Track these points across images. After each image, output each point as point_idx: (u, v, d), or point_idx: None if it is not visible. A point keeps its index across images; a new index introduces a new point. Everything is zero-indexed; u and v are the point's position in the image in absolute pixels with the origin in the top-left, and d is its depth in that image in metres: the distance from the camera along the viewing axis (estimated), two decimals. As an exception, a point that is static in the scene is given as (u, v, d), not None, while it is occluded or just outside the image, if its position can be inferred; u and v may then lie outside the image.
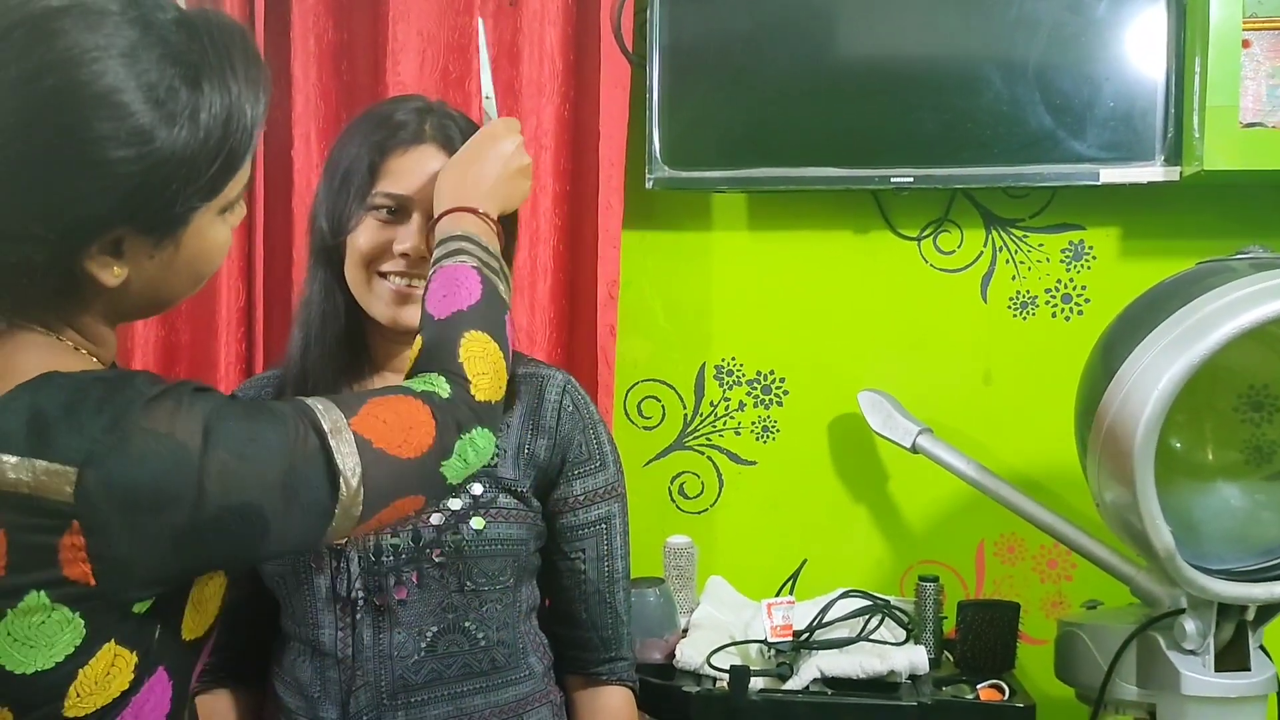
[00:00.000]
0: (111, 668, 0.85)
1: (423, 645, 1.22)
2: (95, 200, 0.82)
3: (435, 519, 1.22)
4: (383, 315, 1.24)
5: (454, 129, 1.27)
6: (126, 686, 0.86)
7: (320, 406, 0.92)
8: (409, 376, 1.02)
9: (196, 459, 0.83)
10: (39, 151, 0.81)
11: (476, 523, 1.23)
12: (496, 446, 1.08)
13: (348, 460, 0.89)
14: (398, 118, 1.25)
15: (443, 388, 0.98)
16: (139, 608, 0.85)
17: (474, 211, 1.12)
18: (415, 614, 1.22)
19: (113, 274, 0.86)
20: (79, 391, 0.82)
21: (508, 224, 1.28)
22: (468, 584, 1.23)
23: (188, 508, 0.82)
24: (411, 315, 1.22)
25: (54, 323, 0.89)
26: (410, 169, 1.23)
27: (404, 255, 1.21)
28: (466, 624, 1.24)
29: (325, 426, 0.90)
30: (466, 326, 1.04)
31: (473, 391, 1.00)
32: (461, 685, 1.24)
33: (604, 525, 1.34)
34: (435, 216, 1.14)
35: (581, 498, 1.32)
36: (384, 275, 1.23)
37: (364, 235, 1.23)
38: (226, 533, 0.85)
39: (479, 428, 1.00)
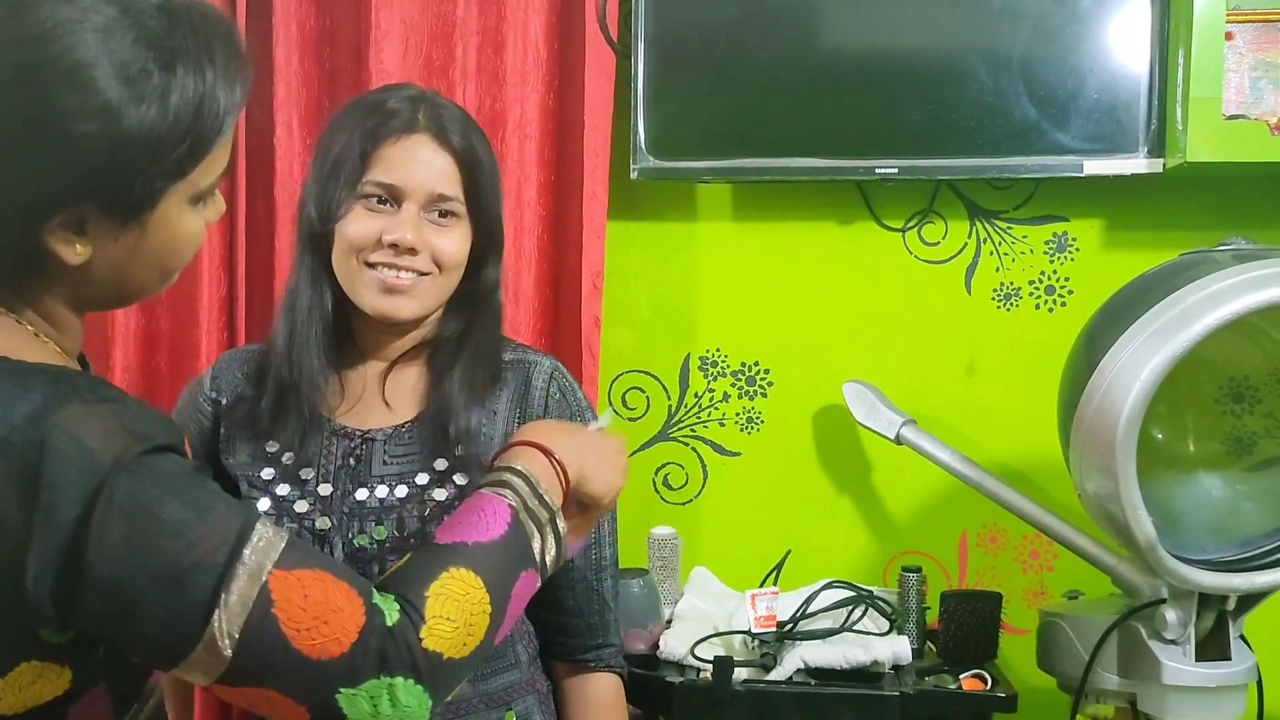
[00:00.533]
0: (38, 679, 0.80)
1: None
2: (59, 174, 0.80)
3: (419, 510, 1.22)
4: (370, 305, 1.22)
5: (448, 118, 1.25)
6: (60, 695, 0.82)
7: (260, 537, 0.81)
8: (377, 585, 0.88)
9: (99, 479, 0.76)
10: (5, 123, 0.79)
11: (439, 494, 1.23)
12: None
13: (235, 605, 0.78)
14: (390, 105, 1.23)
15: (391, 613, 0.84)
16: (52, 637, 0.79)
17: (548, 454, 1.01)
18: None
19: (75, 252, 0.83)
20: (16, 378, 0.80)
21: (495, 244, 1.28)
22: None
23: (70, 523, 0.76)
24: (398, 306, 1.21)
25: (14, 303, 0.86)
26: (402, 158, 1.21)
27: (392, 245, 1.20)
28: None
29: (245, 554, 0.80)
30: (459, 563, 0.89)
31: (423, 634, 0.84)
32: None
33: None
34: (504, 445, 1.05)
35: None
36: (372, 265, 1.21)
37: (353, 224, 1.21)
38: (94, 598, 0.77)
39: (410, 680, 0.83)
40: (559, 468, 1.01)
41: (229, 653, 0.79)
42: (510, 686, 1.28)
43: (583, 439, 1.07)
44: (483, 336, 1.29)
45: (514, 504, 0.95)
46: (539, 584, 0.97)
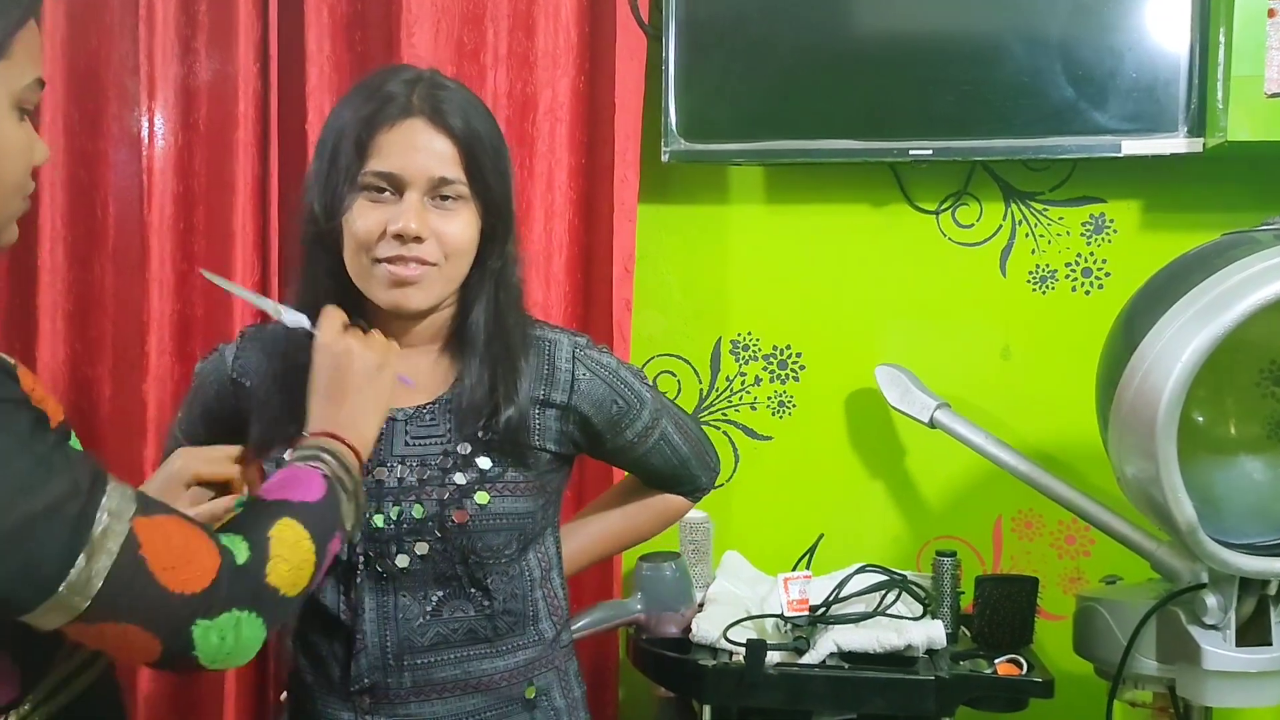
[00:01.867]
0: None
1: (428, 609, 1.22)
2: None
3: (440, 493, 1.21)
4: (383, 299, 1.20)
5: (444, 99, 1.21)
6: None
7: (116, 491, 0.86)
8: (220, 529, 0.96)
9: None
10: None
11: (481, 498, 1.22)
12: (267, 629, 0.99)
13: (100, 549, 0.83)
14: (386, 90, 1.20)
15: (241, 552, 0.92)
16: None
17: (340, 439, 1.10)
18: (418, 580, 1.22)
19: None
20: None
21: (505, 222, 1.28)
22: (471, 557, 1.22)
23: None
24: (409, 297, 1.19)
25: None
26: (399, 144, 1.18)
27: (398, 236, 1.17)
28: (472, 591, 1.24)
29: (104, 503, 0.84)
30: (288, 514, 0.98)
31: (266, 570, 0.93)
32: (467, 649, 1.24)
33: (666, 435, 1.37)
34: (303, 432, 1.12)
35: (641, 436, 1.34)
36: (379, 261, 1.18)
37: (359, 219, 1.18)
38: None
39: (252, 613, 0.91)
40: (353, 450, 1.10)
41: (91, 593, 0.83)
42: (532, 662, 1.29)
43: (351, 404, 1.13)
44: (503, 316, 1.27)
45: (327, 475, 1.04)
46: (340, 547, 1.07)
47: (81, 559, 0.82)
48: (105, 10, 1.97)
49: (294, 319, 1.18)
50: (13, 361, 0.87)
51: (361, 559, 1.21)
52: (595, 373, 1.30)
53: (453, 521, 1.21)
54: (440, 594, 1.23)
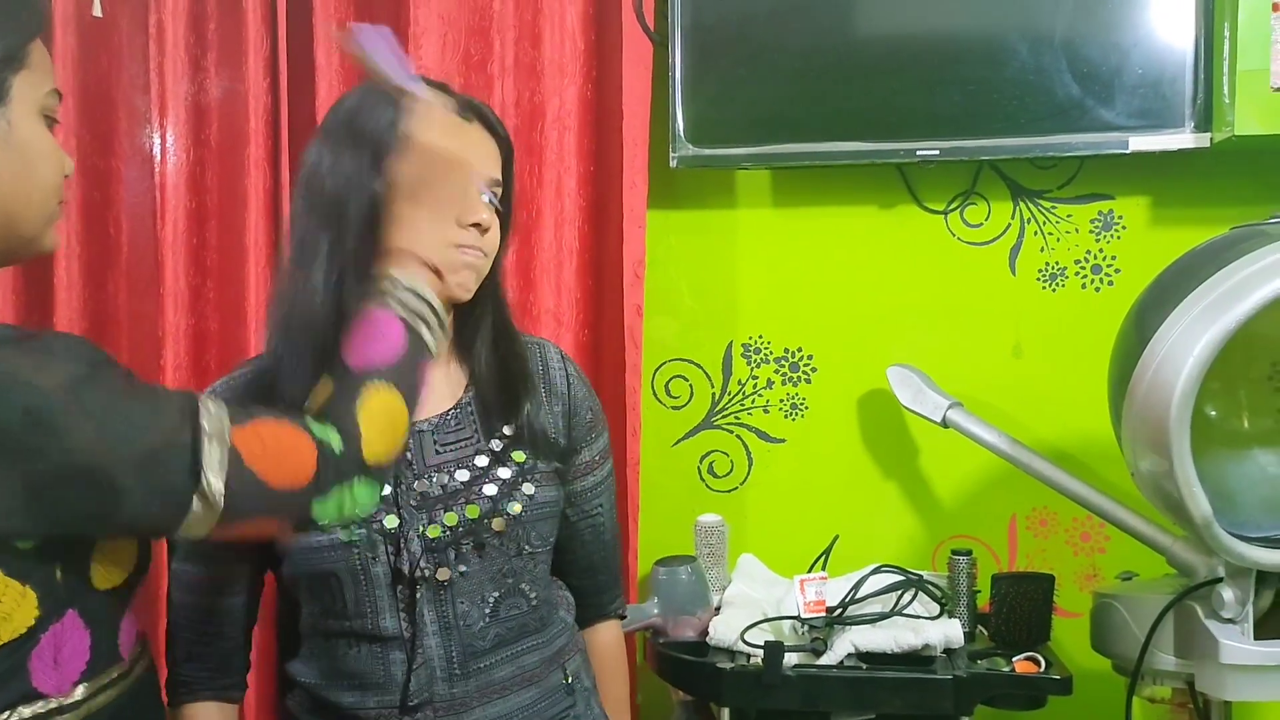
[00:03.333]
0: (2, 598, 0.90)
1: (486, 611, 1.24)
2: None
3: (489, 489, 1.25)
4: (452, 286, 1.20)
5: (486, 109, 1.28)
6: (32, 624, 0.92)
7: (211, 406, 0.95)
8: (313, 416, 1.03)
9: (53, 413, 0.87)
10: None
11: (528, 488, 1.27)
12: (384, 493, 1.10)
13: (213, 465, 0.93)
14: (439, 98, 1.21)
15: (335, 441, 1.00)
16: (21, 544, 0.90)
17: (416, 257, 1.11)
18: (475, 583, 1.24)
19: None
20: None
21: (508, 229, 1.29)
22: (525, 548, 1.27)
23: (37, 459, 0.87)
24: (467, 281, 1.22)
25: None
26: (469, 143, 1.22)
27: (476, 225, 1.20)
28: (523, 586, 1.28)
29: (205, 426, 0.93)
30: (375, 379, 1.04)
31: (364, 447, 1.01)
32: (520, 644, 1.28)
33: (611, 477, 1.42)
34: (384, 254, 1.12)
35: (598, 458, 1.39)
36: (459, 246, 1.19)
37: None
38: (76, 494, 0.89)
39: (362, 480, 1.02)
40: (431, 268, 1.12)
41: (222, 504, 0.94)
42: (564, 649, 1.34)
43: (438, 196, 1.13)
44: (506, 317, 1.32)
45: (403, 315, 1.07)
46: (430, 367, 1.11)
47: (203, 478, 0.92)
48: (115, 30, 1.99)
49: (417, 85, 1.14)
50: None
51: (424, 572, 1.22)
52: (579, 375, 1.38)
53: (509, 515, 1.24)
54: (496, 594, 1.25)
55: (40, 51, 0.98)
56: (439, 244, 1.18)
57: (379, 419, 1.03)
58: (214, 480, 0.93)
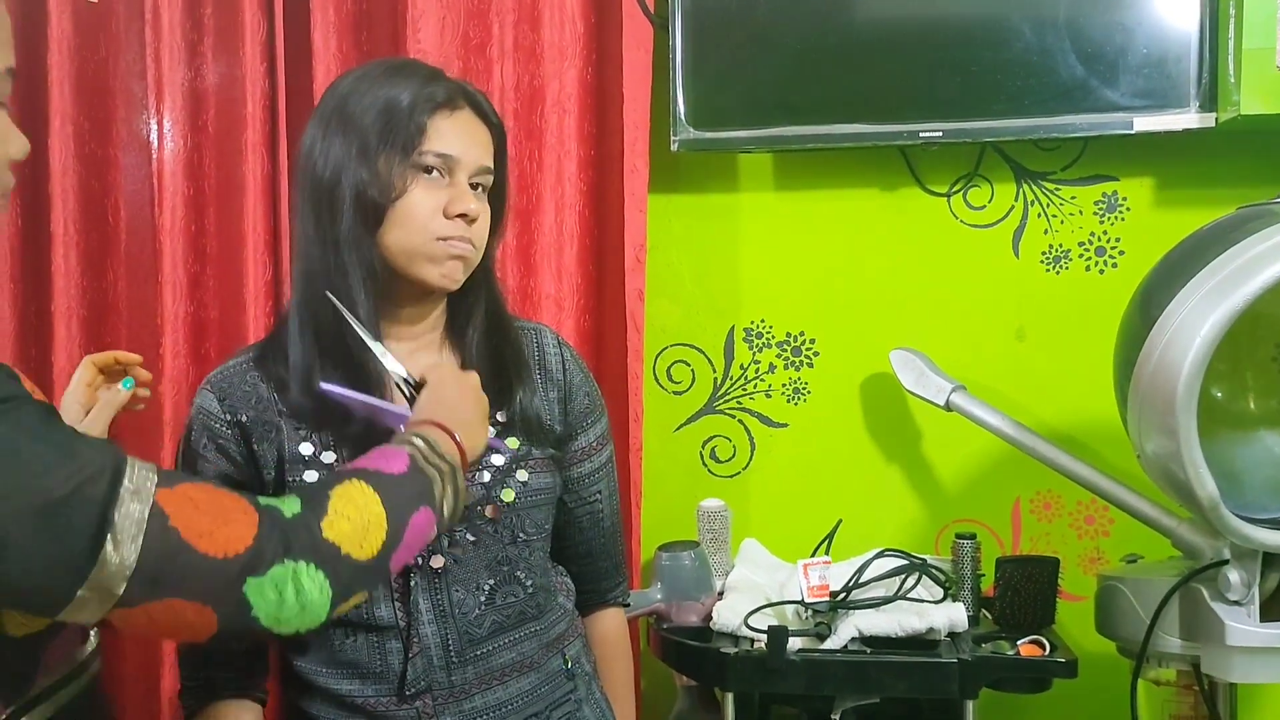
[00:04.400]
0: None
1: (482, 599, 1.24)
2: None
3: (483, 476, 1.24)
4: (431, 276, 1.21)
5: (479, 95, 1.27)
6: None
7: (137, 465, 0.84)
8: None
9: None
10: None
11: (522, 475, 1.27)
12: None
13: (128, 526, 0.80)
14: (424, 75, 1.22)
15: (291, 506, 0.88)
16: None
17: (443, 428, 1.06)
18: (470, 570, 1.24)
19: None
20: None
21: (503, 216, 1.30)
22: (520, 535, 1.26)
23: None
24: (454, 271, 1.22)
25: None
26: (456, 130, 1.21)
27: (462, 215, 1.20)
28: (518, 573, 1.27)
29: (125, 483, 0.81)
30: (358, 478, 0.94)
31: (323, 524, 0.88)
32: (518, 631, 1.27)
33: (610, 463, 1.41)
34: (410, 423, 1.10)
35: (595, 443, 1.38)
36: (439, 239, 1.20)
37: (415, 198, 1.19)
38: None
39: (312, 565, 0.86)
40: (457, 443, 1.06)
41: (126, 572, 0.80)
42: (563, 634, 1.33)
43: (462, 405, 1.10)
44: (498, 304, 1.32)
45: (412, 454, 0.99)
46: (435, 531, 1.01)
47: (109, 540, 0.79)
48: (111, 17, 1.97)
49: (396, 366, 1.18)
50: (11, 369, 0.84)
51: (416, 561, 1.21)
52: (576, 360, 1.38)
53: (502, 502, 1.24)
54: (492, 581, 1.25)
55: None
56: (425, 237, 1.19)
57: (350, 505, 0.90)
58: (124, 543, 0.79)
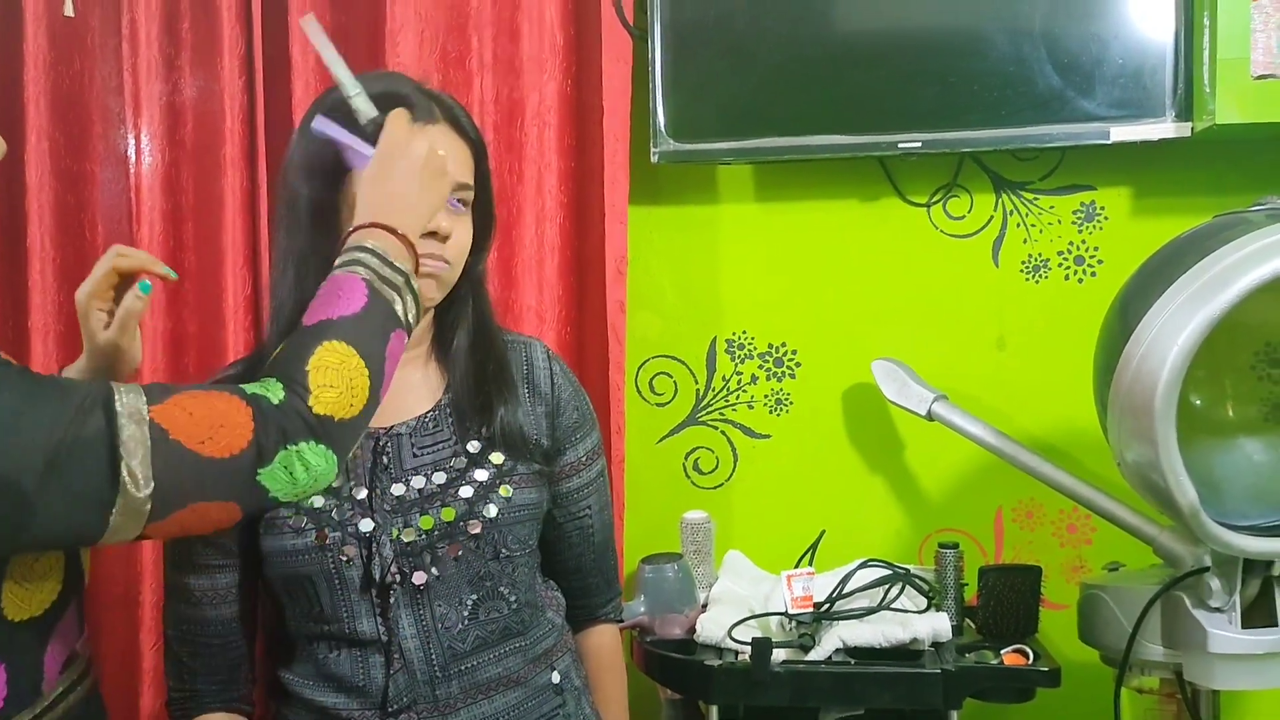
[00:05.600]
0: None
1: (465, 614, 1.23)
2: None
3: (465, 492, 1.23)
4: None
5: (457, 108, 1.26)
6: None
7: (122, 389, 0.87)
8: (261, 377, 0.95)
9: None
10: None
11: (504, 491, 1.25)
12: (341, 462, 1.00)
13: (135, 449, 0.84)
14: (402, 93, 1.21)
15: (275, 392, 0.91)
16: None
17: (388, 229, 1.06)
18: (452, 586, 1.23)
19: None
20: None
21: (489, 231, 1.29)
22: (503, 551, 1.25)
23: None
24: (431, 290, 1.21)
25: None
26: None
27: (431, 234, 1.18)
28: (502, 589, 1.26)
29: (119, 409, 0.85)
30: (329, 336, 0.96)
31: (310, 402, 0.92)
32: (503, 646, 1.26)
33: (601, 479, 1.40)
34: (349, 230, 1.09)
35: (585, 458, 1.37)
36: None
37: None
38: None
39: (311, 441, 0.92)
40: (403, 239, 1.06)
41: (147, 492, 0.85)
42: (551, 649, 1.32)
43: (401, 189, 1.09)
44: (485, 319, 1.32)
45: (367, 277, 1.00)
46: (407, 340, 1.05)
47: (123, 467, 0.83)
48: (87, 32, 1.96)
49: (365, 106, 1.15)
50: None
51: (396, 576, 1.20)
52: (566, 374, 1.36)
53: (485, 517, 1.23)
54: (475, 596, 1.24)
55: None
56: None
57: (330, 372, 0.94)
58: (135, 466, 0.84)
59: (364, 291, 0.99)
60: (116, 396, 0.86)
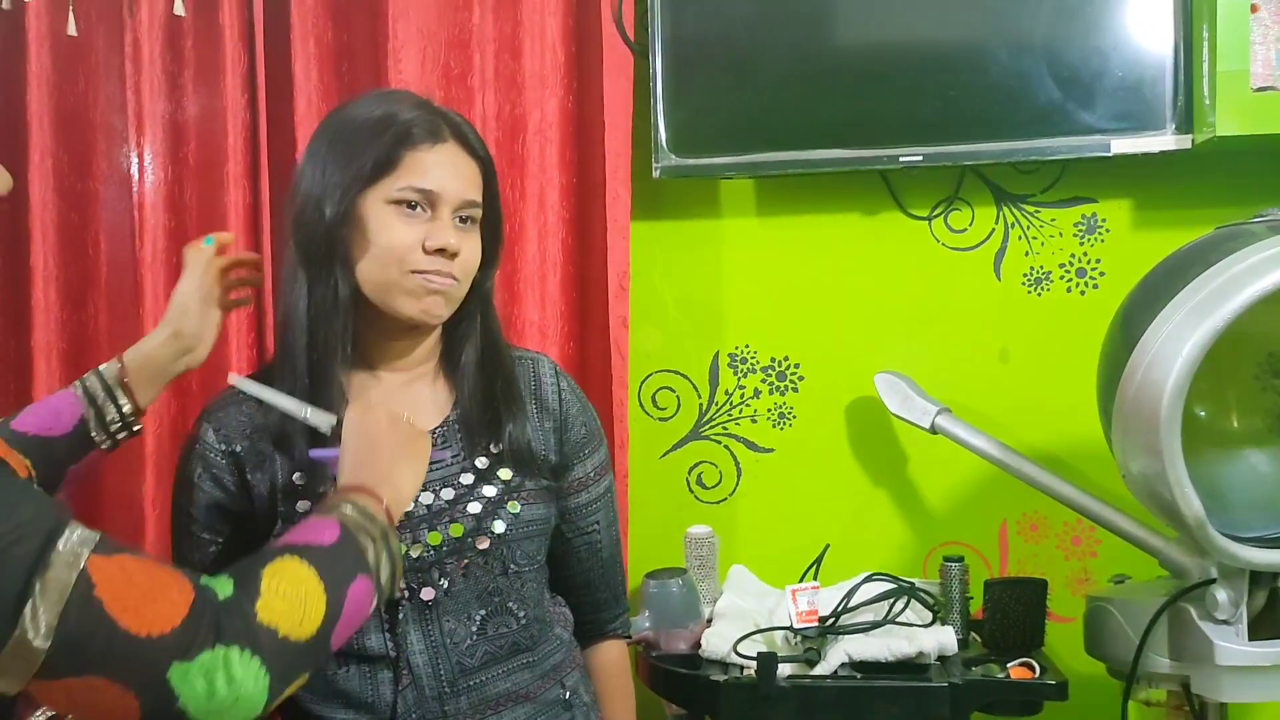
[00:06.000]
0: None
1: (473, 629, 1.23)
2: None
3: (473, 508, 1.24)
4: (410, 310, 1.21)
5: (464, 126, 1.27)
6: None
7: (78, 530, 0.79)
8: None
9: None
10: None
11: (513, 507, 1.26)
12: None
13: (51, 593, 0.75)
14: (406, 115, 1.22)
15: (224, 588, 0.82)
16: None
17: (369, 492, 1.02)
18: (461, 602, 1.23)
19: None
20: None
21: (498, 246, 1.30)
22: (511, 567, 1.25)
23: None
24: (439, 307, 1.21)
25: None
26: (437, 163, 1.21)
27: (440, 251, 1.19)
28: (510, 604, 1.26)
29: (58, 546, 0.76)
30: (293, 554, 0.88)
31: (258, 606, 0.82)
32: (511, 662, 1.26)
33: (609, 494, 1.40)
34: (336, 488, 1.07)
35: (592, 474, 1.37)
36: (414, 272, 1.20)
37: (392, 232, 1.19)
38: None
39: (246, 651, 0.80)
40: (384, 509, 1.01)
41: (44, 644, 0.74)
42: (559, 665, 1.32)
43: (395, 456, 1.07)
44: (493, 335, 1.32)
45: (343, 521, 0.95)
46: (375, 601, 0.96)
47: (29, 605, 0.74)
48: (91, 51, 1.97)
49: (321, 419, 1.17)
50: None
51: (405, 592, 1.21)
52: (573, 390, 1.37)
53: (493, 533, 1.23)
54: (483, 612, 1.24)
55: None
56: (400, 271, 1.19)
57: (285, 582, 0.85)
58: (43, 612, 0.74)
59: (337, 532, 0.93)
60: (65, 534, 0.77)
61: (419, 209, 1.20)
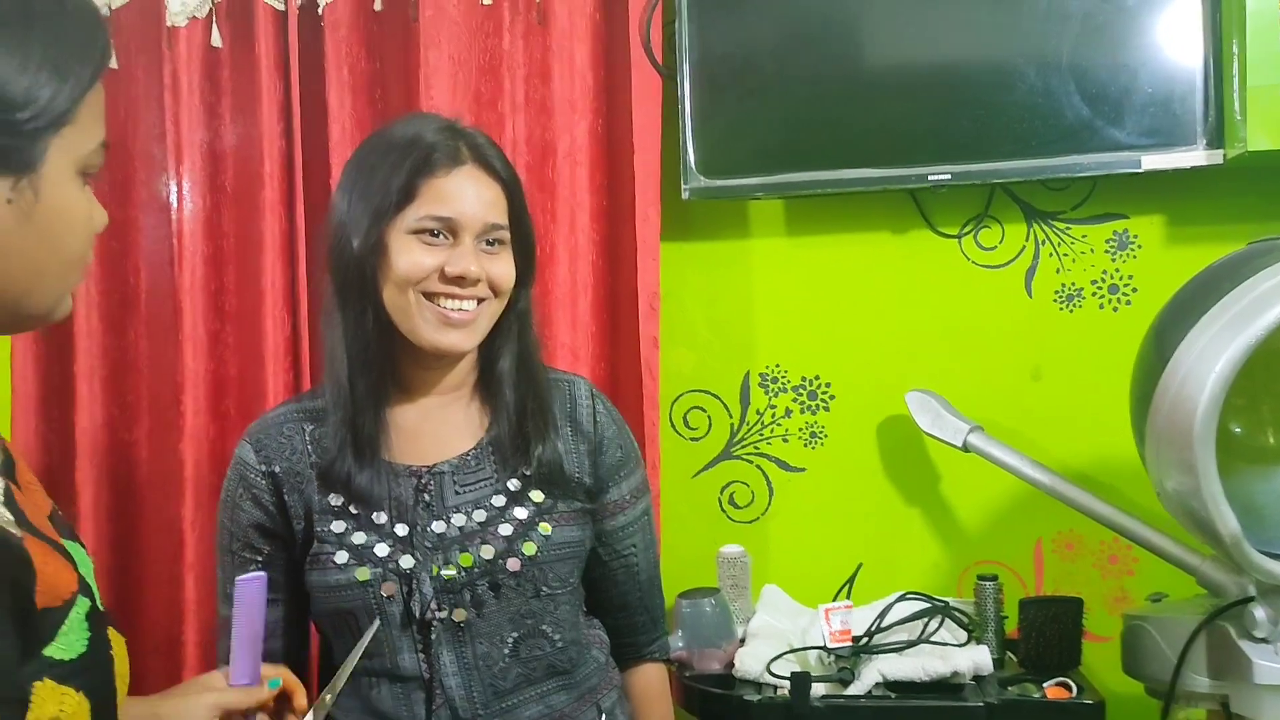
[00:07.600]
0: None
1: (505, 652, 1.24)
2: None
3: (505, 530, 1.24)
4: (428, 339, 1.23)
5: (487, 147, 1.28)
6: None
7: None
8: None
9: None
10: None
11: (544, 528, 1.26)
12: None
13: None
14: (428, 139, 1.24)
15: None
16: None
17: None
18: (494, 624, 1.23)
19: None
20: None
21: (531, 265, 1.32)
22: (544, 589, 1.26)
23: None
24: (455, 339, 1.23)
25: None
26: (455, 190, 1.23)
27: (459, 278, 1.21)
28: (544, 627, 1.26)
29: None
30: None
31: None
32: (547, 684, 1.27)
33: (646, 516, 1.40)
34: None
35: (629, 497, 1.37)
36: (430, 297, 1.22)
37: (408, 257, 1.21)
38: None
39: None
40: None
41: None
42: (597, 686, 1.32)
43: None
44: (530, 356, 1.32)
45: None
46: None
47: None
48: (131, 82, 2.02)
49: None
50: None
51: (437, 614, 1.22)
52: (610, 413, 1.37)
53: (524, 555, 1.23)
54: (516, 634, 1.24)
55: (92, 101, 0.83)
56: (415, 297, 1.21)
57: None
58: None
59: None
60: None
61: (441, 236, 1.22)
